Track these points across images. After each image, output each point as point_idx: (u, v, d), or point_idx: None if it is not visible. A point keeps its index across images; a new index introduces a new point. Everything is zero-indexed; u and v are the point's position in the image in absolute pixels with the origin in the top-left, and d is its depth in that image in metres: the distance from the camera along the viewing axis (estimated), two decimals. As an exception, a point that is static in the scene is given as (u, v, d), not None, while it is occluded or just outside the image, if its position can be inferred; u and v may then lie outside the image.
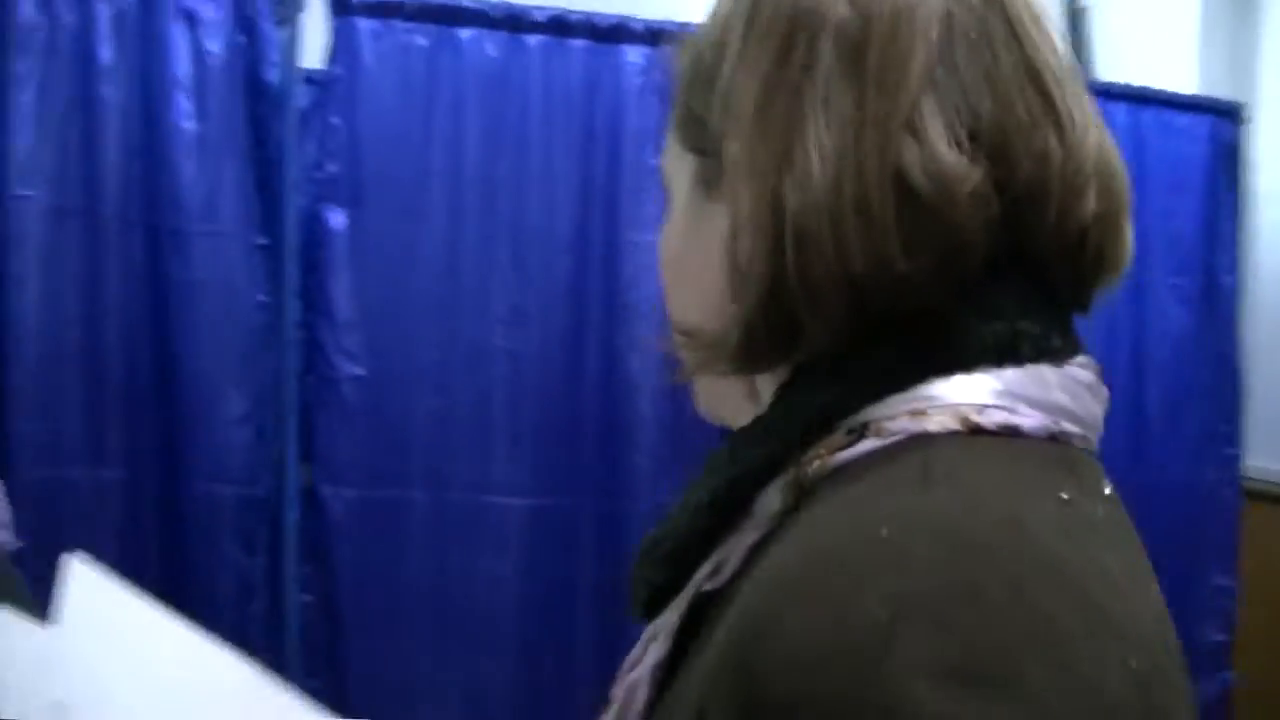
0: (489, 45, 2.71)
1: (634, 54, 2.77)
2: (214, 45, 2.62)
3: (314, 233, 2.65)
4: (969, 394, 0.62)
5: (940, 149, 0.61)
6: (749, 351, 0.65)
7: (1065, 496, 0.60)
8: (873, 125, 0.61)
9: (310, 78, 2.72)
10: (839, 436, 0.63)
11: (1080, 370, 0.66)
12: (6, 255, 2.50)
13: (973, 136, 0.62)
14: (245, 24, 2.63)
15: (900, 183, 0.61)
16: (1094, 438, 0.67)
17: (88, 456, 2.57)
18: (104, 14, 2.57)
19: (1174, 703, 0.55)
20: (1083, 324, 0.71)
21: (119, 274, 2.57)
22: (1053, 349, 0.65)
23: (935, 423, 0.61)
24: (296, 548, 2.64)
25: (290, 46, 2.65)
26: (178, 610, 2.40)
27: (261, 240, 2.63)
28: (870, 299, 0.62)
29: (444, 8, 2.69)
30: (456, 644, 2.73)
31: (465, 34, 2.70)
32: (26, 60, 2.52)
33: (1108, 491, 0.65)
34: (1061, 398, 0.64)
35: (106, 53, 2.57)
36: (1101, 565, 0.57)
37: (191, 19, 2.61)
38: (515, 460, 2.73)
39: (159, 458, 2.62)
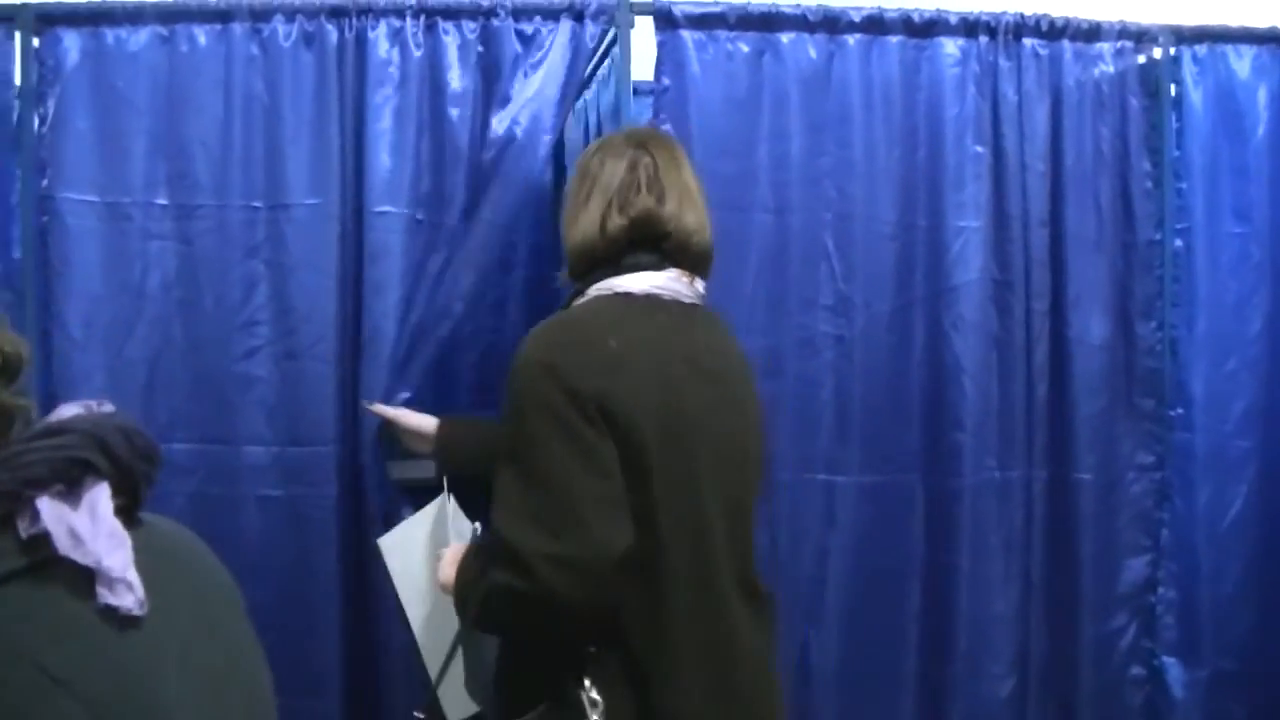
0: (809, 47, 2.82)
1: (950, 45, 2.85)
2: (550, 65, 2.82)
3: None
4: (617, 283, 1.98)
5: (615, 217, 2.01)
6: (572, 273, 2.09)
7: (633, 312, 1.95)
8: (600, 209, 2.02)
9: (640, 89, 2.92)
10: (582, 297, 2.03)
11: (669, 272, 2.01)
12: (366, 265, 2.75)
13: (628, 208, 2.01)
14: (577, 45, 2.83)
15: (605, 226, 2.01)
16: (679, 296, 2.01)
17: None
18: (450, 45, 2.81)
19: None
20: None
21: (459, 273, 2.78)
22: (651, 267, 2.00)
23: (604, 292, 1.98)
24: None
25: (621, 62, 2.85)
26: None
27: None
28: (599, 259, 2.02)
29: (764, 15, 2.82)
30: (785, 619, 2.79)
31: (785, 38, 2.82)
32: (383, 91, 2.77)
33: (665, 312, 1.98)
34: (656, 281, 1.99)
35: (453, 79, 2.80)
36: (612, 324, 1.93)
37: (527, 43, 2.82)
38: (843, 440, 2.81)
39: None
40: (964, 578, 2.86)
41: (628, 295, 1.96)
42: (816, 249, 2.82)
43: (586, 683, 1.84)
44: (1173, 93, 2.98)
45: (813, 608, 2.84)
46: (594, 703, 1.84)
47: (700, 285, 2.07)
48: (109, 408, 1.07)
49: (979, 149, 2.86)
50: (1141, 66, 2.95)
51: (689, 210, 2.03)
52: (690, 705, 1.88)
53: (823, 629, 2.84)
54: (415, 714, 2.56)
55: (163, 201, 2.76)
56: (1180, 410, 2.97)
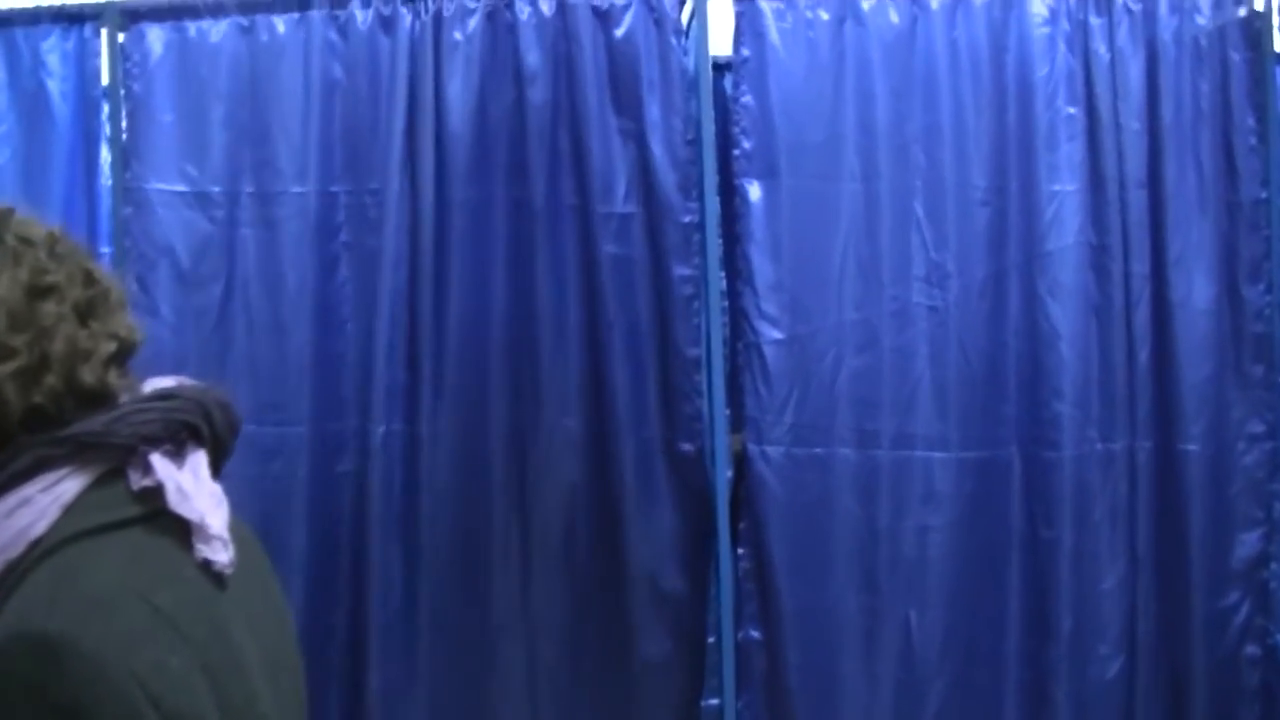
0: (891, 11, 2.76)
1: (1038, 4, 2.77)
2: (627, 40, 2.78)
3: (733, 206, 2.78)
4: None
5: None
6: None
7: None
8: None
9: (720, 63, 2.87)
10: None
11: None
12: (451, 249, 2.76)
13: None
14: (656, 18, 2.79)
15: None
16: None
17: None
18: (526, 24, 2.78)
19: None
20: None
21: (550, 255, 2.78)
22: None
23: None
24: (727, 502, 2.75)
25: (699, 36, 2.80)
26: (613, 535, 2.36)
27: (688, 217, 2.76)
28: None
29: (844, -19, 2.78)
30: (886, 596, 2.76)
31: (866, 4, 2.76)
32: (460, 72, 2.77)
33: None
34: None
35: (530, 58, 2.78)
36: None
37: (603, 18, 2.79)
38: (940, 414, 2.75)
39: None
40: (1067, 554, 2.77)
41: None
42: (907, 217, 2.76)
43: None
44: (1277, 45, 2.86)
45: (914, 587, 2.77)
46: None
47: None
48: (195, 382, 1.12)
49: (1071, 110, 2.77)
50: (1242, 19, 2.83)
51: None
52: None
53: (925, 609, 2.77)
54: None
55: (249, 189, 2.80)
56: (1292, 376, 2.85)
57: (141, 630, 0.94)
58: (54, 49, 2.87)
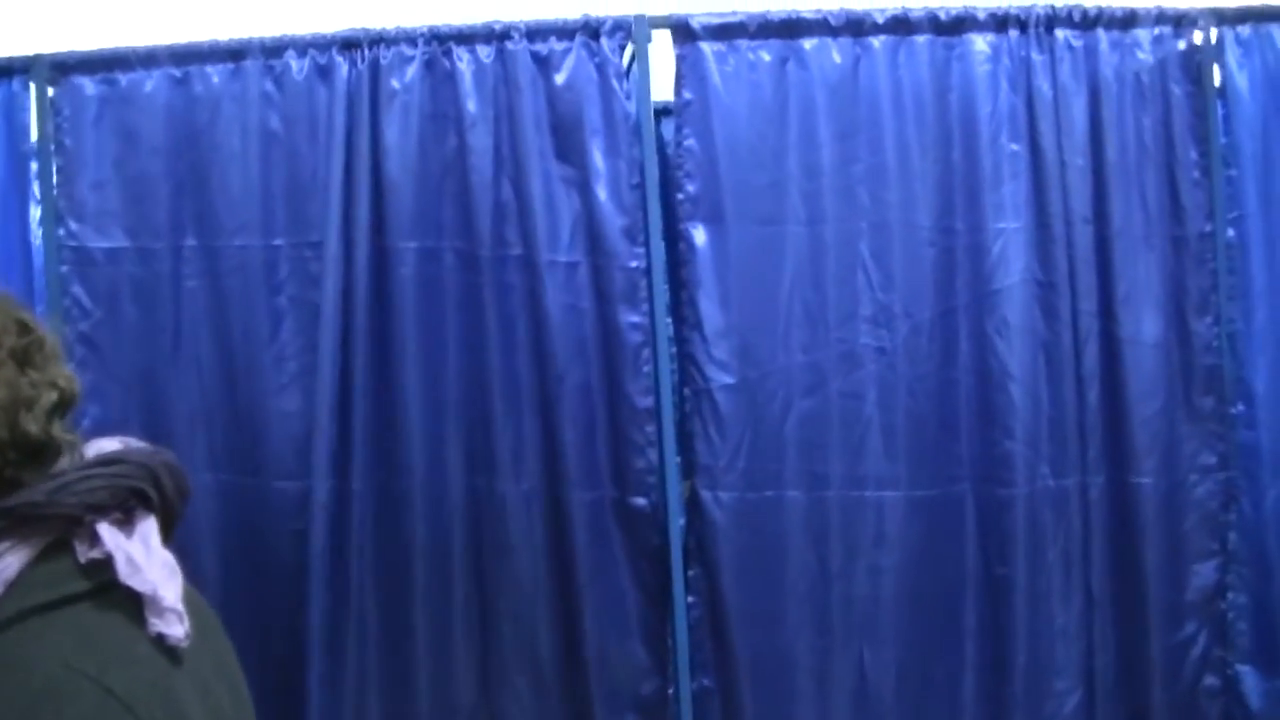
0: (833, 52, 2.74)
1: (980, 42, 2.76)
2: (568, 86, 2.75)
3: (679, 251, 2.75)
4: None
5: None
6: None
7: None
8: None
9: (662, 107, 2.85)
10: None
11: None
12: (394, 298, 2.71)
13: None
14: (597, 63, 2.76)
15: None
16: None
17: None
18: (465, 71, 2.75)
19: None
20: None
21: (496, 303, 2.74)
22: None
23: None
24: (681, 551, 2.73)
25: (641, 80, 2.77)
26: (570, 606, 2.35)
27: (634, 263, 2.73)
28: None
29: (785, 22, 2.75)
30: (840, 638, 2.74)
31: (809, 44, 2.75)
32: (398, 119, 2.73)
33: None
34: None
35: (470, 105, 2.74)
36: None
37: (543, 64, 2.76)
38: (890, 454, 2.73)
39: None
40: (1021, 590, 2.75)
41: None
42: (852, 259, 2.74)
43: None
44: (1217, 78, 2.86)
45: (868, 627, 2.75)
46: None
47: None
48: (142, 444, 1.08)
49: (1015, 147, 2.76)
50: (1182, 52, 2.83)
51: None
52: None
53: (879, 648, 2.75)
54: None
55: (191, 243, 2.75)
56: (1242, 407, 2.85)
57: (94, 716, 0.90)
58: (-19, 103, 2.81)
